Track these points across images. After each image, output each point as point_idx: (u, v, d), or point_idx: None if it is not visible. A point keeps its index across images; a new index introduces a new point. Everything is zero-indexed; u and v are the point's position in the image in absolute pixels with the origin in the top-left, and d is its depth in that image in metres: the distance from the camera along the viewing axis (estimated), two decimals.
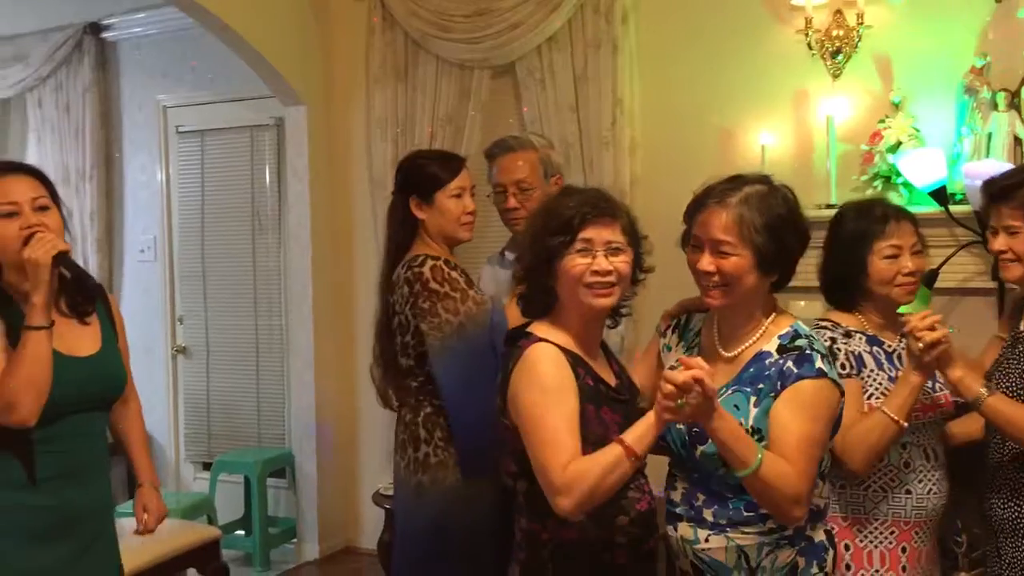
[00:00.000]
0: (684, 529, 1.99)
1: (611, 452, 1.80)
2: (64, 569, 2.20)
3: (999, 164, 3.18)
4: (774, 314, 1.98)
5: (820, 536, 1.98)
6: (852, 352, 2.26)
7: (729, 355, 1.99)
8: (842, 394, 1.91)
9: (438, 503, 2.53)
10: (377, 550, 4.21)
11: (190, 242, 5.29)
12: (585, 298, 1.91)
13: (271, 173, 5.04)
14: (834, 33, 3.63)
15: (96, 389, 2.27)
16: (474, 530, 2.49)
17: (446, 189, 2.70)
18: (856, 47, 3.61)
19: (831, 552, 2.00)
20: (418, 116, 4.46)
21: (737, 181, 1.95)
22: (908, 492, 2.26)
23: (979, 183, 2.54)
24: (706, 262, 1.93)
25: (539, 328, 1.98)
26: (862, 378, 2.25)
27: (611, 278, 1.91)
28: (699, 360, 1.74)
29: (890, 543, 2.26)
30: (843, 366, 2.22)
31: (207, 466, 5.15)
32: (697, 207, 1.98)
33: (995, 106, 3.33)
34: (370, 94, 4.58)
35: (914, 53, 3.57)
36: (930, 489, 2.28)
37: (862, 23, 3.56)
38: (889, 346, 2.32)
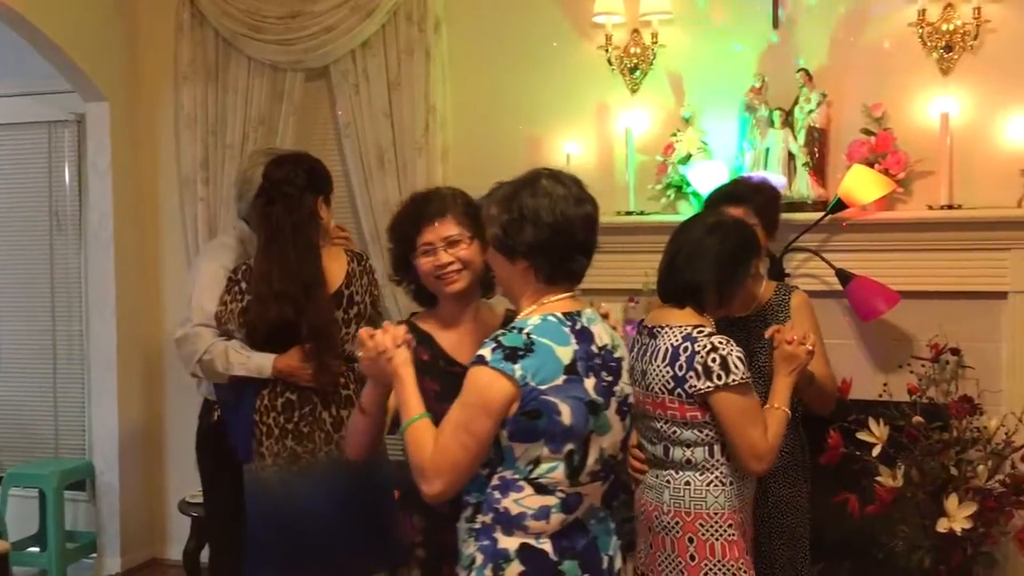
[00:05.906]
0: None
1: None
2: None
3: (774, 176, 3.49)
4: (534, 306, 1.95)
5: (509, 544, 1.90)
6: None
7: None
8: (519, 387, 1.83)
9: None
10: (183, 560, 4.11)
11: None
12: (439, 288, 2.22)
13: (71, 171, 4.82)
14: (632, 51, 3.86)
15: None
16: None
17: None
18: (651, 64, 3.84)
19: (517, 566, 1.89)
20: (230, 117, 4.38)
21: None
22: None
23: None
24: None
25: (417, 314, 2.33)
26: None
27: (455, 266, 2.19)
28: (395, 327, 2.01)
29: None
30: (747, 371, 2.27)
31: None
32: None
33: (772, 123, 3.63)
34: (178, 92, 4.46)
35: (702, 72, 3.84)
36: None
37: (656, 42, 3.80)
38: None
